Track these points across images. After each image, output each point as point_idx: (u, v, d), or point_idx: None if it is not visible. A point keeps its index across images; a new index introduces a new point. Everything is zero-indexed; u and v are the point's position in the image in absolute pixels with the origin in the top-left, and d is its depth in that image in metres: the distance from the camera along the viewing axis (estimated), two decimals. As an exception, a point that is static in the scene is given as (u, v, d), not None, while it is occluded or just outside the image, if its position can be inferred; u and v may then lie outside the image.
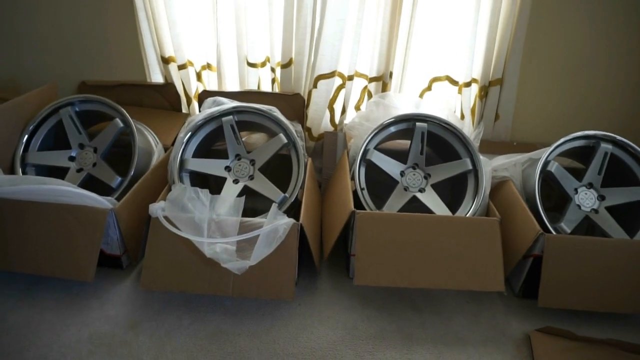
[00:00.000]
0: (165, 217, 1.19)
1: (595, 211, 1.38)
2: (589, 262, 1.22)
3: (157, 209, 1.21)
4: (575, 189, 1.40)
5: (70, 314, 1.20)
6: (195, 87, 1.81)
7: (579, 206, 1.38)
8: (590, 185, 1.41)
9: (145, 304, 1.24)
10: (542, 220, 1.30)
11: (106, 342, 1.13)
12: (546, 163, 1.39)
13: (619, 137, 1.40)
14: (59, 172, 1.43)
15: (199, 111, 1.53)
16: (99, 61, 1.83)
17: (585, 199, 1.39)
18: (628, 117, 1.82)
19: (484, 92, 1.74)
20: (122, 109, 1.45)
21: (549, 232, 1.29)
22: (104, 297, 1.26)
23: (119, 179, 1.41)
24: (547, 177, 1.41)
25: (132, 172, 1.39)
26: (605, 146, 1.40)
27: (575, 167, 1.50)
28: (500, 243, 1.24)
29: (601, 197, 1.40)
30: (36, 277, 1.29)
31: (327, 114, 1.76)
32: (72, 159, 1.47)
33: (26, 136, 1.47)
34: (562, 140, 1.39)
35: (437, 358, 1.14)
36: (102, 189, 1.36)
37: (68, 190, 1.23)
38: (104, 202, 1.25)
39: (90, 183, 1.42)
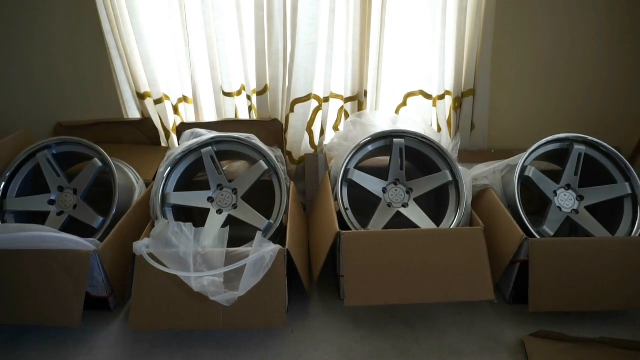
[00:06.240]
0: (150, 254, 1.18)
1: (576, 211, 1.41)
2: (575, 263, 1.24)
3: (141, 246, 1.20)
4: (555, 192, 1.43)
5: (58, 363, 1.17)
6: (172, 120, 1.82)
7: (559, 208, 1.40)
8: (568, 187, 1.44)
9: (136, 345, 1.22)
10: (525, 225, 1.32)
11: (97, 389, 1.10)
12: (523, 168, 1.41)
13: (589, 138, 1.43)
14: (40, 217, 1.41)
15: (178, 144, 1.53)
16: (74, 101, 1.82)
17: (565, 200, 1.42)
18: (599, 119, 1.87)
19: (458, 104, 1.78)
20: (100, 148, 1.45)
21: (533, 236, 1.30)
22: (92, 342, 1.23)
23: (101, 219, 1.39)
24: (526, 182, 1.43)
25: (114, 211, 1.38)
26: (579, 147, 1.43)
27: (553, 169, 1.53)
28: (486, 251, 1.25)
29: (580, 197, 1.43)
30: (20, 327, 1.26)
31: (306, 136, 1.77)
32: (52, 202, 1.45)
33: (3, 183, 1.45)
34: (536, 145, 1.42)
35: (434, 373, 1.14)
36: (85, 230, 1.35)
37: (49, 236, 1.21)
38: (86, 244, 1.23)
39: (72, 225, 1.40)
